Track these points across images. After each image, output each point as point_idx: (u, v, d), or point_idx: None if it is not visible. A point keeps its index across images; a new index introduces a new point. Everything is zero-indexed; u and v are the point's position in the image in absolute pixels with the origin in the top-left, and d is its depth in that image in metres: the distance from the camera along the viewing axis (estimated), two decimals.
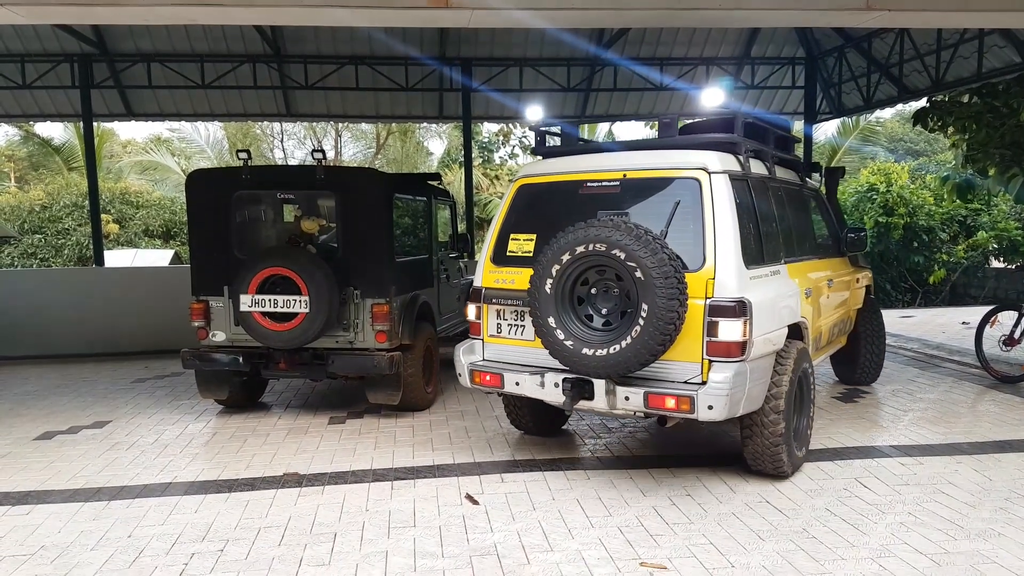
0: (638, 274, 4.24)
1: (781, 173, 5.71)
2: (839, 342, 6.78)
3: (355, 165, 26.93)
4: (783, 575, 3.64)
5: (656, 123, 22.97)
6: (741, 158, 4.87)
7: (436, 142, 31.29)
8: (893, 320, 11.66)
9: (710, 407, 4.27)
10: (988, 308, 8.26)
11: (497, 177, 28.35)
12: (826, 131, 24.35)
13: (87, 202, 14.06)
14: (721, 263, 4.39)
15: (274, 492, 4.79)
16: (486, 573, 3.70)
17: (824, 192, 7.00)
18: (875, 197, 15.67)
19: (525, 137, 28.35)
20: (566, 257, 4.46)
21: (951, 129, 10.44)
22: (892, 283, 15.98)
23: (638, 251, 4.24)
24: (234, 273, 6.16)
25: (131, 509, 4.56)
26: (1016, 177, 9.82)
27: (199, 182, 6.68)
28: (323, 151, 6.53)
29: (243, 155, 6.48)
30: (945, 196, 14.01)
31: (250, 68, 12.04)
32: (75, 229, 20.86)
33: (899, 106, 14.56)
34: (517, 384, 4.86)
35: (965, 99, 10.11)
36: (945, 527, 4.17)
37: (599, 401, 4.56)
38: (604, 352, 4.38)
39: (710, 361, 4.38)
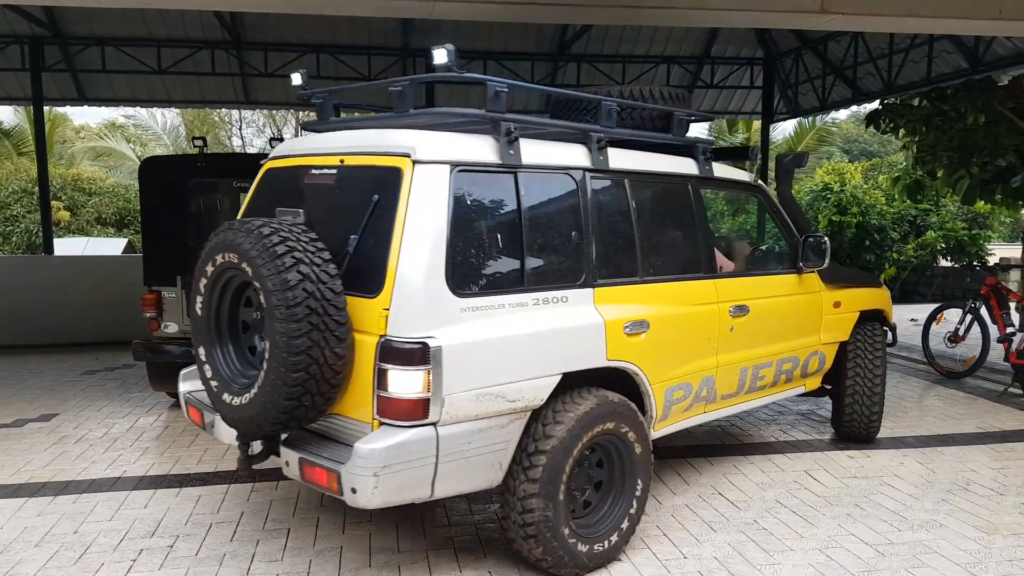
0: (262, 297, 3.09)
1: (645, 163, 4.14)
2: (787, 387, 5.05)
3: None
4: (734, 566, 3.72)
5: None
6: (501, 141, 3.45)
7: None
8: None
9: (353, 490, 3.01)
10: (935, 306, 8.51)
11: None
12: (784, 130, 24.79)
13: (37, 188, 13.65)
14: (401, 289, 3.08)
15: (226, 487, 4.72)
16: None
17: (776, 188, 5.37)
18: (829, 196, 16.00)
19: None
20: (210, 269, 3.37)
21: (902, 131, 10.72)
22: None
23: (260, 265, 3.05)
24: (188, 263, 6.04)
25: (78, 504, 4.45)
26: (963, 179, 10.11)
27: (152, 169, 6.54)
28: (282, 138, 6.43)
29: (199, 142, 6.36)
30: (896, 196, 14.36)
31: (208, 54, 11.79)
32: (24, 216, 20.24)
33: (853, 108, 14.89)
34: (214, 426, 3.69)
35: (916, 102, 10.39)
36: (890, 518, 4.29)
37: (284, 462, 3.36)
38: (239, 401, 3.26)
39: (380, 423, 3.13)
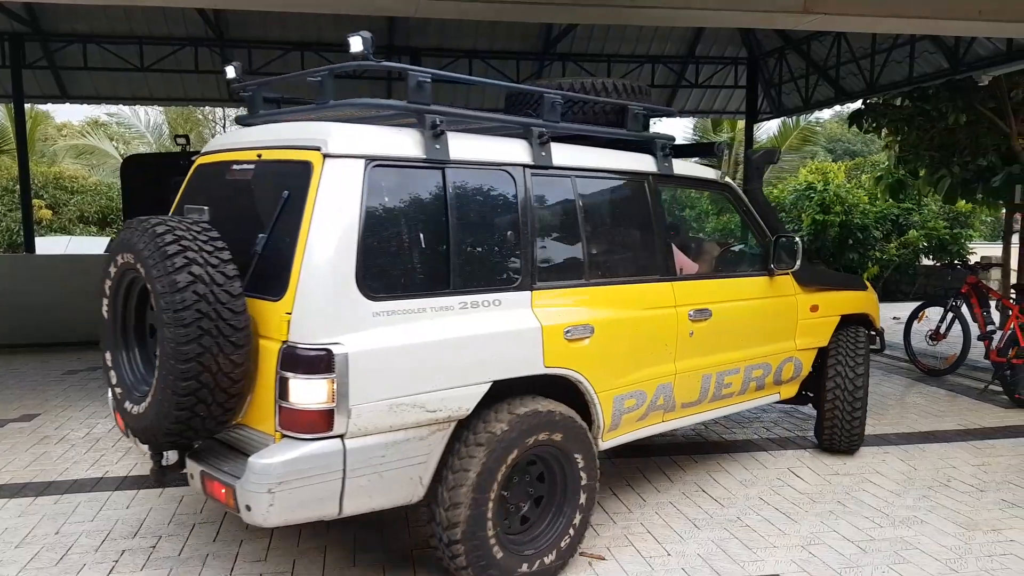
0: (153, 300, 2.91)
1: (595, 159, 3.91)
2: (758, 395, 4.82)
3: None
4: (717, 563, 3.74)
5: None
6: (427, 134, 3.23)
7: None
8: None
9: (248, 507, 2.84)
10: (917, 304, 8.59)
11: None
12: (768, 129, 24.95)
13: (18, 187, 13.51)
14: (304, 292, 2.88)
15: None
16: None
17: (746, 186, 5.04)
18: (813, 196, 16.12)
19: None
20: (113, 270, 3.20)
21: (884, 131, 10.83)
22: None
23: (152, 266, 2.88)
24: None
25: (59, 505, 4.41)
26: (944, 178, 10.22)
27: (135, 167, 6.54)
28: (187, 137, 6.40)
29: (181, 140, 6.33)
30: (879, 195, 14.50)
31: (191, 52, 11.71)
32: (5, 215, 20.03)
33: (837, 108, 15.01)
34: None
35: (898, 102, 10.49)
36: (872, 515, 4.33)
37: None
38: (137, 409, 3.11)
39: (283, 435, 2.92)
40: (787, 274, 4.78)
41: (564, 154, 3.75)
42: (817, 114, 22.94)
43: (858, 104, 11.00)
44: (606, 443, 3.86)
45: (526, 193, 3.52)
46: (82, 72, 11.91)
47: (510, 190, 3.49)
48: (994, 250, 16.68)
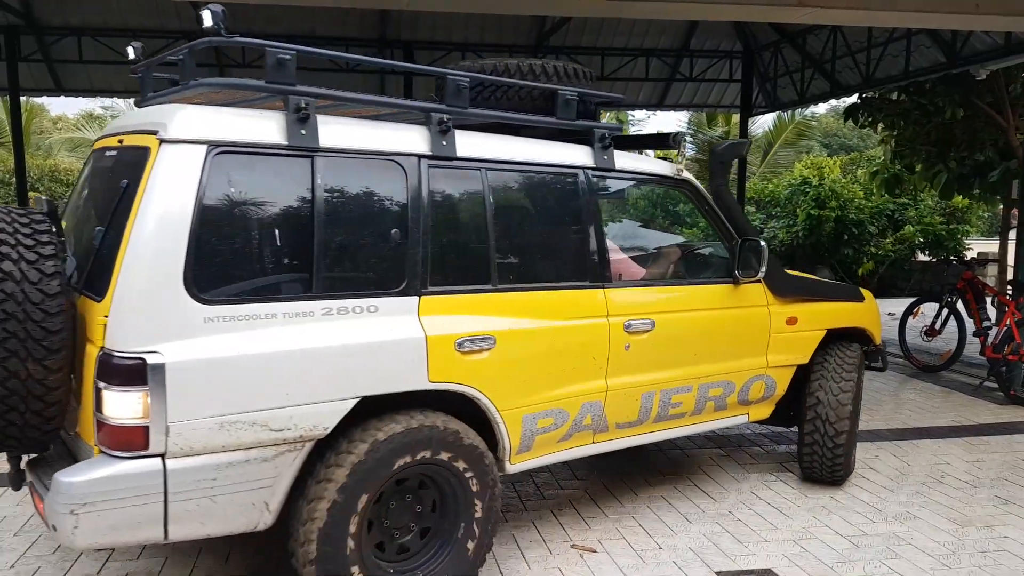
0: None
1: (514, 151, 3.48)
2: (719, 416, 4.26)
3: None
4: (709, 556, 3.71)
5: None
6: (290, 118, 2.85)
7: None
8: None
9: (54, 527, 2.57)
10: (912, 300, 8.57)
11: None
12: (763, 123, 24.92)
13: (14, 179, 13.43)
14: (122, 292, 2.57)
15: None
16: None
17: (710, 183, 4.42)
18: (808, 191, 16.09)
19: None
20: None
21: (880, 126, 10.80)
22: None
23: None
24: None
25: None
26: (941, 173, 10.21)
27: None
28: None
29: None
30: (874, 190, 14.48)
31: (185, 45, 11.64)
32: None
33: (833, 102, 14.96)
34: None
35: (894, 96, 10.46)
36: (864, 510, 4.30)
37: None
38: None
39: (100, 450, 2.62)
40: (757, 282, 4.21)
41: (472, 144, 3.33)
42: (813, 108, 23.03)
43: (854, 98, 10.96)
44: (516, 466, 3.42)
45: (420, 187, 3.10)
46: (76, 65, 11.84)
47: (399, 183, 3.07)
48: (991, 246, 16.70)
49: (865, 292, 5.01)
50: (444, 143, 3.21)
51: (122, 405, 2.53)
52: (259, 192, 2.79)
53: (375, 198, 3.07)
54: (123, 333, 2.54)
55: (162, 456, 2.57)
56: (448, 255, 3.24)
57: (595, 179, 3.73)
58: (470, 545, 3.20)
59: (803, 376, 4.58)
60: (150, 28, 11.46)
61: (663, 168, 4.13)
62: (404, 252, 3.04)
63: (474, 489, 3.17)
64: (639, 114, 24.51)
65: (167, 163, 2.62)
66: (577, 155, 3.70)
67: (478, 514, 3.20)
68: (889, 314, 11.53)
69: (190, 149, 2.66)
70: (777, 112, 16.70)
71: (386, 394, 2.96)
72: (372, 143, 3.05)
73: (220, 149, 2.69)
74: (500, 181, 3.42)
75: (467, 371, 3.15)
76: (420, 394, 3.06)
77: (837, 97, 11.71)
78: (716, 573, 3.55)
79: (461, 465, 3.12)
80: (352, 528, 2.86)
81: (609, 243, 3.90)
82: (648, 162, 4.14)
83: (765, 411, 4.54)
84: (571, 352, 3.51)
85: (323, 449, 2.90)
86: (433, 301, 3.10)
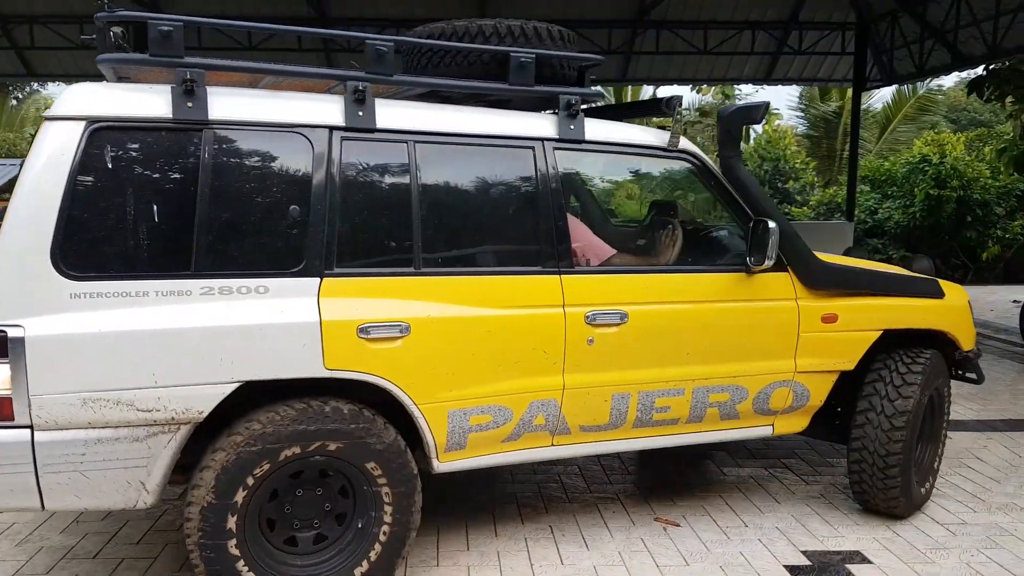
0: None
1: (451, 122, 3.18)
2: (728, 426, 3.70)
3: None
4: (795, 536, 3.69)
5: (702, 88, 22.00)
6: (176, 92, 2.74)
7: None
8: None
9: None
10: None
11: None
12: (882, 97, 23.63)
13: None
14: None
15: None
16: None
17: (719, 155, 3.69)
18: (927, 169, 15.21)
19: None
20: None
21: (1009, 99, 10.08)
22: (943, 258, 15.60)
23: None
24: None
25: None
26: None
27: None
28: None
29: None
30: (1002, 169, 13.54)
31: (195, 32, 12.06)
32: None
33: (957, 74, 14.04)
34: None
35: None
36: (966, 499, 4.14)
37: None
38: None
39: None
40: (781, 272, 3.62)
41: (398, 114, 3.08)
42: (938, 81, 21.60)
43: (979, 70, 10.28)
44: (447, 465, 3.16)
45: (329, 161, 2.91)
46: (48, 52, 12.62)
47: (303, 156, 2.89)
48: None
49: (950, 287, 4.19)
50: (360, 113, 2.97)
51: None
52: (140, 167, 2.72)
53: (273, 173, 2.89)
54: None
55: (30, 428, 2.60)
56: (361, 235, 3.00)
57: (558, 152, 3.32)
58: (376, 548, 2.98)
59: (857, 383, 3.91)
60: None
61: (651, 138, 3.56)
62: (304, 231, 2.86)
63: (382, 485, 2.95)
64: (746, 88, 23.70)
65: (45, 139, 2.63)
66: (536, 125, 3.32)
67: (386, 517, 2.97)
68: (1014, 301, 10.88)
69: (68, 125, 2.64)
70: (896, 85, 15.86)
71: (274, 380, 2.80)
72: (273, 115, 2.88)
73: (98, 125, 2.66)
74: (432, 155, 3.10)
75: (373, 359, 2.90)
76: (322, 382, 2.88)
77: (960, 69, 11.03)
78: (802, 552, 3.53)
79: (366, 460, 2.91)
80: (231, 518, 2.76)
81: (579, 225, 3.63)
82: (632, 131, 3.57)
83: (798, 423, 3.87)
84: (514, 344, 3.15)
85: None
86: (338, 283, 2.89)
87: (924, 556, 3.51)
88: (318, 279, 2.86)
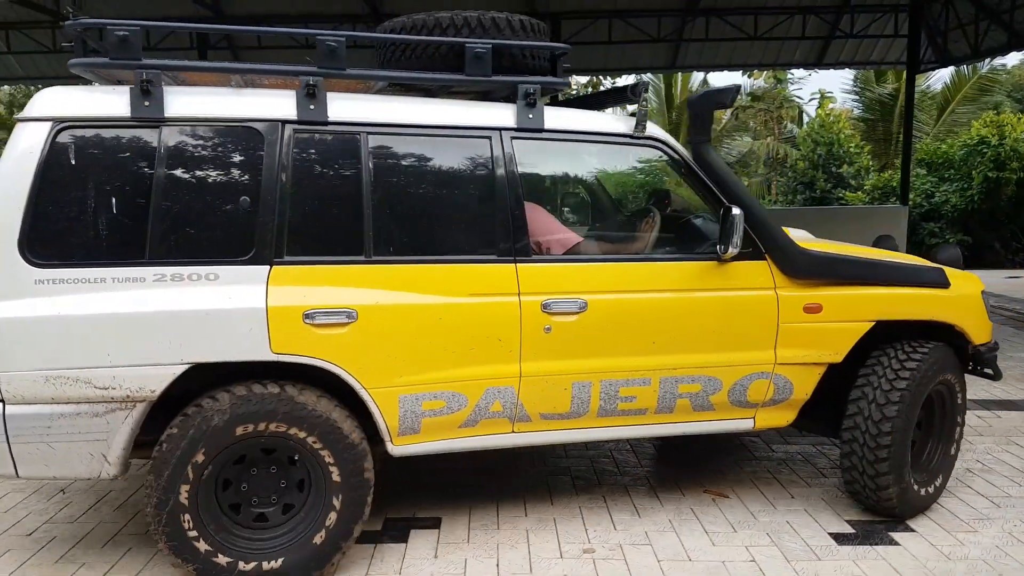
0: None
1: (405, 113, 3.27)
2: (701, 417, 3.62)
3: None
4: (840, 507, 3.85)
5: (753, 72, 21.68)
6: (134, 92, 2.95)
7: None
8: (998, 281, 11.35)
9: None
10: None
11: None
12: (941, 78, 23.05)
13: None
14: None
15: None
16: None
17: (690, 141, 3.64)
18: (986, 151, 14.88)
19: (615, 85, 27.97)
20: None
21: None
22: (1003, 243, 15.27)
23: None
24: None
25: None
26: None
27: None
28: None
29: None
30: None
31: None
32: None
33: (1015, 54, 13.67)
34: None
35: None
36: (1011, 474, 4.24)
37: None
38: None
39: None
40: (758, 260, 3.54)
41: (349, 107, 3.19)
42: (1000, 60, 20.93)
43: None
44: (402, 448, 3.27)
45: (281, 153, 3.05)
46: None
47: (255, 149, 3.04)
48: None
49: (959, 276, 3.95)
50: (312, 107, 3.10)
51: None
52: (101, 163, 2.93)
53: (225, 165, 3.04)
54: None
55: (1, 402, 2.88)
56: (311, 224, 3.11)
57: (516, 141, 3.36)
58: (328, 521, 3.11)
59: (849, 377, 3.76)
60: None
61: (615, 124, 3.54)
62: (254, 220, 3.00)
63: (330, 466, 3.08)
64: (799, 72, 23.37)
65: (16, 140, 2.89)
66: (493, 115, 3.37)
67: (335, 500, 3.10)
68: None
69: (37, 126, 2.89)
70: (952, 67, 15.53)
71: (224, 363, 2.98)
72: (227, 111, 3.04)
73: (64, 125, 2.89)
74: (385, 146, 3.21)
75: (319, 345, 3.04)
76: (273, 365, 3.04)
77: (1017, 49, 10.79)
78: (846, 520, 3.70)
79: (313, 440, 3.05)
80: (183, 492, 2.95)
81: (543, 214, 3.64)
82: (596, 118, 3.56)
83: (783, 417, 3.74)
84: (467, 332, 3.22)
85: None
86: (287, 271, 3.03)
87: (967, 525, 3.65)
88: (267, 267, 3.01)
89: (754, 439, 4.81)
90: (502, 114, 3.37)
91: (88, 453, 2.96)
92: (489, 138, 3.32)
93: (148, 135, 2.96)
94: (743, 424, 3.70)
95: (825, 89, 26.66)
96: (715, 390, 3.56)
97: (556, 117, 3.44)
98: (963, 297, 3.87)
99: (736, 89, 3.55)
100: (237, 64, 3.29)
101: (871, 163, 20.02)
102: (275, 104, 3.10)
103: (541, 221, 3.58)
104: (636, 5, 12.10)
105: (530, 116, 3.36)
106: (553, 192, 3.49)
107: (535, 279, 3.29)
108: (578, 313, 3.33)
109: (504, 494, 4.03)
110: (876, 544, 3.49)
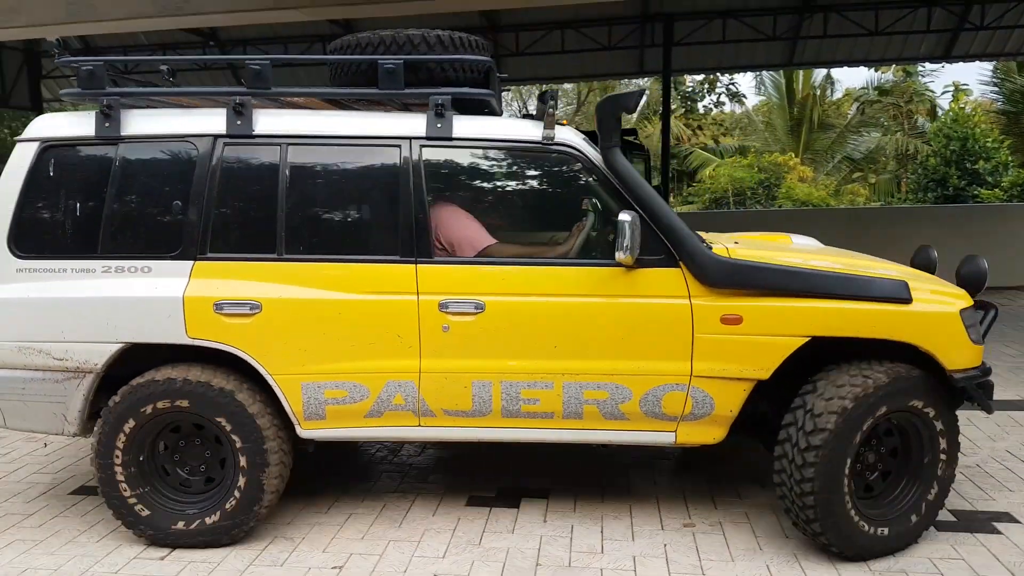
0: None
1: (319, 126, 3.60)
2: (614, 426, 3.53)
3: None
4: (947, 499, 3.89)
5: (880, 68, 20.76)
6: (98, 116, 3.57)
7: None
8: None
9: None
10: None
11: (700, 127, 27.78)
12: None
13: None
14: None
15: None
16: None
17: (600, 146, 3.53)
18: None
19: (733, 83, 27.48)
20: None
21: None
22: None
23: None
24: None
25: None
26: None
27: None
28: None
29: None
30: None
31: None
32: None
33: None
34: None
35: None
36: None
37: None
38: None
39: None
40: (672, 267, 3.42)
41: (273, 122, 3.60)
42: None
43: None
44: (310, 432, 3.60)
45: (209, 163, 3.52)
46: None
47: (191, 160, 3.54)
48: None
49: (934, 293, 3.47)
50: (239, 122, 3.55)
51: None
52: (73, 175, 3.61)
53: (165, 175, 3.59)
54: None
55: None
56: (232, 225, 3.55)
57: (425, 150, 3.55)
58: (240, 483, 3.51)
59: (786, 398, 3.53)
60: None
61: (523, 131, 3.60)
62: (184, 222, 3.51)
63: (237, 445, 3.49)
64: (930, 64, 22.18)
65: (14, 156, 3.60)
66: (405, 125, 3.59)
67: (240, 479, 3.50)
68: None
69: (27, 146, 3.59)
70: None
71: (149, 344, 3.51)
72: (171, 128, 3.59)
73: (47, 144, 3.58)
74: (301, 156, 3.56)
75: (227, 332, 3.47)
76: (191, 348, 3.53)
77: None
78: (950, 511, 3.76)
79: (219, 418, 3.48)
80: (117, 464, 3.51)
81: (460, 216, 3.66)
82: (500, 125, 3.65)
83: (707, 433, 3.53)
84: (367, 327, 3.47)
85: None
86: (207, 266, 3.50)
87: None
88: (191, 262, 3.51)
89: None
90: (413, 124, 3.59)
91: (52, 413, 3.62)
92: (399, 147, 3.56)
93: (108, 151, 3.58)
94: (662, 437, 3.56)
95: (960, 81, 25.07)
96: (624, 399, 3.48)
97: (466, 126, 3.59)
98: (928, 315, 3.39)
99: (640, 94, 3.63)
100: (183, 88, 3.90)
101: (1010, 158, 18.82)
102: (210, 121, 3.59)
103: (457, 224, 3.64)
104: (751, 5, 12.03)
105: (439, 125, 3.55)
106: (468, 197, 3.69)
107: (433, 279, 3.48)
108: (475, 314, 3.46)
109: (608, 473, 4.34)
110: (976, 532, 3.56)
